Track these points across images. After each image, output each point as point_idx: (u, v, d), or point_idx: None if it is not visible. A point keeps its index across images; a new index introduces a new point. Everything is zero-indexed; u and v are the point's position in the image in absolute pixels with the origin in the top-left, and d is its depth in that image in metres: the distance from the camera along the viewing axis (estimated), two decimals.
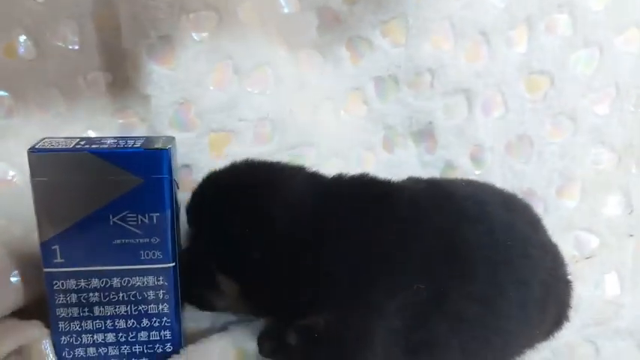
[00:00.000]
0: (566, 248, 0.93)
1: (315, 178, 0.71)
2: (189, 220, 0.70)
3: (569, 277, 0.74)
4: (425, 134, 0.93)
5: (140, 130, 0.82)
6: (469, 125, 0.93)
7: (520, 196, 0.85)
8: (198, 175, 0.78)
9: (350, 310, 0.60)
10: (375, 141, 0.94)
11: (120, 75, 0.82)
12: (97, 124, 0.82)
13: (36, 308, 0.70)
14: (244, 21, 0.83)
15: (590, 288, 0.91)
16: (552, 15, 0.89)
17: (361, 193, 0.68)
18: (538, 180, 0.93)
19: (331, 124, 0.92)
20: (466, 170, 0.94)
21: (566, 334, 0.81)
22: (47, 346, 0.68)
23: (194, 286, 0.67)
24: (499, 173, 0.94)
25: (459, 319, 0.60)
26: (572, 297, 0.74)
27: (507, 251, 0.64)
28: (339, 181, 0.70)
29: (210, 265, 0.65)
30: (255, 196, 0.64)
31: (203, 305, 0.71)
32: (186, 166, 0.82)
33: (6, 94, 0.77)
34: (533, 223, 0.75)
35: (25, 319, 0.69)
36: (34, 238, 0.73)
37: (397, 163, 0.94)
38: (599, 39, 0.89)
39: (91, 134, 0.82)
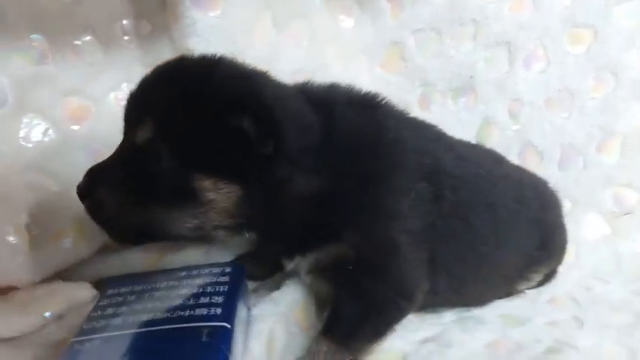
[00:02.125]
0: (606, 205, 0.93)
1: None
2: None
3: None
4: (465, 89, 0.92)
5: None
6: (509, 79, 0.91)
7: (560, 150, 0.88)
8: None
9: (368, 226, 0.61)
10: (410, 98, 0.92)
11: (159, 24, 0.78)
12: (132, 76, 0.78)
13: None
14: None
15: (629, 243, 0.90)
16: None
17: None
18: (578, 135, 0.92)
19: (364, 79, 0.89)
20: (503, 126, 0.93)
21: (612, 289, 0.82)
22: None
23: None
24: (538, 128, 0.92)
25: (459, 217, 0.68)
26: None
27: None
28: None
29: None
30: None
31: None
32: None
33: (40, 37, 0.72)
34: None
35: None
36: (70, 194, 0.71)
37: (432, 122, 0.92)
38: None
39: (125, 87, 0.78)
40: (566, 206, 0.88)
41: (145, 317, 0.57)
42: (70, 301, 0.64)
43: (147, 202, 0.59)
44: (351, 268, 0.61)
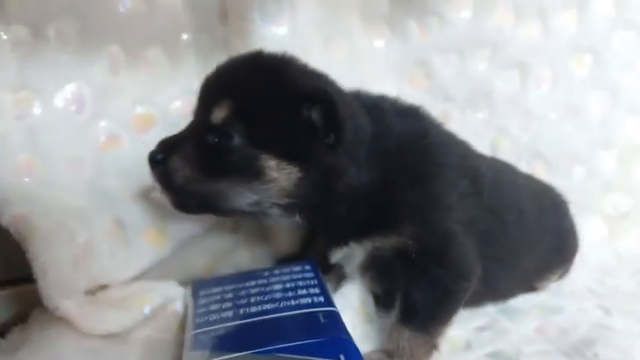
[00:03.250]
0: (605, 209, 1.04)
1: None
2: None
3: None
4: (481, 105, 1.01)
5: None
6: (521, 96, 1.01)
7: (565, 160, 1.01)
8: None
9: (426, 217, 0.68)
10: (433, 112, 1.00)
11: (219, 37, 0.83)
12: (192, 88, 0.82)
13: None
14: None
15: (626, 243, 1.02)
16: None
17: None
18: (581, 147, 1.03)
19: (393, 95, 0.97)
20: (515, 137, 1.03)
21: (620, 282, 0.92)
22: (180, 307, 0.70)
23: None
24: (545, 140, 1.03)
25: (495, 216, 0.76)
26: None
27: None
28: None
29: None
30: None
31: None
32: None
33: (117, 47, 0.76)
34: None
35: None
36: (147, 198, 0.75)
37: None
38: (636, 21, 1.00)
39: (186, 98, 0.82)
40: (571, 211, 0.98)
41: (254, 309, 0.62)
42: (164, 297, 0.67)
43: (216, 175, 0.64)
44: (414, 257, 0.66)
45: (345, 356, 0.50)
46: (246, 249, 0.88)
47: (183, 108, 0.81)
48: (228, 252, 0.86)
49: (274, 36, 0.79)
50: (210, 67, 0.82)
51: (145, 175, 0.75)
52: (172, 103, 0.82)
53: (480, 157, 0.82)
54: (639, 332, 0.74)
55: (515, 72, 1.00)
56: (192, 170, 0.64)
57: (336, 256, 0.74)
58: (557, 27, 0.99)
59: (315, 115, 0.63)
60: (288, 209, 0.66)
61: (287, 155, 0.63)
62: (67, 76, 0.72)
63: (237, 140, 0.63)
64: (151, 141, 0.78)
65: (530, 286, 0.89)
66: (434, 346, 0.67)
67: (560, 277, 0.93)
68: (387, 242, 0.68)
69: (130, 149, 0.77)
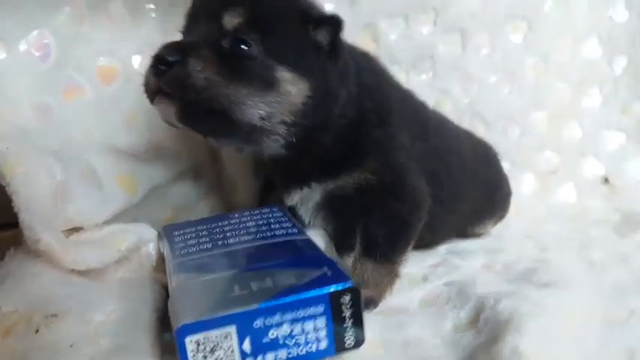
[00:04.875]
0: (538, 165, 1.14)
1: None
2: None
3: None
4: (425, 67, 1.07)
5: None
6: (462, 60, 1.08)
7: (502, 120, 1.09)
8: None
9: (386, 154, 0.73)
10: None
11: None
12: (153, 42, 0.82)
13: None
14: None
15: (555, 196, 1.12)
16: None
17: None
18: (517, 108, 1.12)
19: None
20: (457, 99, 1.10)
21: (554, 229, 1.01)
22: (153, 249, 0.71)
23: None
24: (484, 101, 1.11)
25: (438, 157, 0.82)
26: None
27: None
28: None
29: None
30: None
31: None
32: None
33: None
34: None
35: None
36: (113, 143, 0.76)
37: None
38: None
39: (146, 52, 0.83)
40: (507, 167, 1.07)
41: (232, 240, 0.64)
42: (139, 237, 0.69)
43: (235, 80, 0.61)
44: (375, 191, 0.71)
45: (328, 268, 0.54)
46: (206, 202, 0.90)
47: (143, 62, 0.83)
48: (189, 205, 0.88)
49: None
50: (170, 23, 0.85)
51: (110, 124, 0.78)
52: (133, 56, 0.82)
53: (424, 106, 0.88)
54: (574, 263, 0.82)
55: (456, 36, 1.07)
56: (213, 72, 0.60)
57: (294, 198, 0.76)
58: None
59: (321, 36, 0.66)
60: (289, 130, 0.66)
61: (300, 70, 0.64)
62: (33, 22, 0.71)
63: (254, 48, 0.63)
64: (113, 94, 0.80)
65: (466, 231, 0.96)
66: (396, 275, 0.72)
67: (495, 224, 1.01)
68: (349, 180, 0.72)
69: (94, 100, 0.77)
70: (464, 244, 0.92)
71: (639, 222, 1.00)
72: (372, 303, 0.68)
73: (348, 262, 0.75)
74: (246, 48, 0.62)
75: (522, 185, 1.11)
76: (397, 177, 0.73)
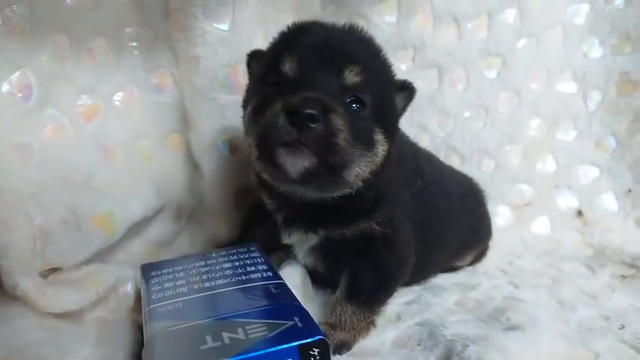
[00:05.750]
0: (512, 198, 1.16)
1: None
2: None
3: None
4: None
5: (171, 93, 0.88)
6: (438, 95, 1.11)
7: (476, 154, 1.13)
8: (240, 138, 0.87)
9: (393, 209, 0.74)
10: None
11: (161, 32, 0.86)
12: (136, 79, 0.85)
13: None
14: None
15: (529, 228, 1.14)
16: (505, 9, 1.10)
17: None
18: (491, 142, 1.14)
19: None
20: (433, 133, 1.12)
21: (527, 262, 1.03)
22: (131, 288, 0.73)
23: None
24: (459, 136, 1.13)
25: (428, 203, 0.84)
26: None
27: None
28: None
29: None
30: None
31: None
32: (230, 128, 0.89)
33: (64, 37, 0.77)
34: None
35: None
36: (92, 184, 0.77)
37: None
38: (537, 31, 1.12)
39: (134, 91, 0.85)
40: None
41: (207, 284, 0.66)
42: (117, 277, 0.70)
43: (355, 142, 0.62)
44: (379, 241, 0.72)
45: (299, 319, 0.56)
46: (187, 234, 0.92)
47: (126, 98, 0.84)
48: (169, 240, 0.89)
49: (215, 31, 0.84)
50: (152, 60, 0.87)
51: (89, 162, 0.78)
52: (116, 93, 0.84)
53: (421, 152, 0.91)
54: (544, 302, 0.84)
55: (433, 72, 1.10)
56: (348, 133, 0.60)
57: (293, 239, 0.77)
58: (469, 33, 1.09)
59: (400, 100, 0.72)
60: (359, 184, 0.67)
61: (386, 132, 0.67)
62: (15, 63, 0.72)
63: (367, 109, 0.64)
64: (94, 130, 0.81)
65: (449, 264, 0.98)
66: (372, 322, 0.74)
67: (478, 259, 1.03)
68: (355, 228, 0.73)
69: (74, 138, 0.78)
70: (439, 280, 0.94)
71: (609, 257, 1.03)
72: (346, 346, 0.69)
73: (332, 299, 0.76)
74: (360, 107, 0.64)
75: (498, 218, 1.14)
76: (395, 232, 0.75)
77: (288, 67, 0.65)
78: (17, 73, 0.72)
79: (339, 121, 0.60)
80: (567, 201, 1.18)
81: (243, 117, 0.74)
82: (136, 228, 0.82)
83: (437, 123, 1.12)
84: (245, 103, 0.75)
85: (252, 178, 0.81)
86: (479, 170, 1.14)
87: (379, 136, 0.66)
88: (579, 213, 1.17)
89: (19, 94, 0.72)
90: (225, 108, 0.87)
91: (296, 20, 0.96)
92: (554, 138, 1.18)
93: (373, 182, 0.68)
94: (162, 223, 0.87)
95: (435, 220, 0.85)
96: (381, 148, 0.66)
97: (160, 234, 0.87)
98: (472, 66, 1.11)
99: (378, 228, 0.72)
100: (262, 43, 0.90)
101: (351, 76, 0.64)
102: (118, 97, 0.84)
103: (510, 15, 1.11)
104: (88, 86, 0.80)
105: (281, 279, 0.67)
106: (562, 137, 1.18)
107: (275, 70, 0.66)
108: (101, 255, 0.76)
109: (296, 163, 0.60)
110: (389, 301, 0.76)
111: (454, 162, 1.13)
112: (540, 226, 1.16)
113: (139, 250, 0.84)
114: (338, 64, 0.64)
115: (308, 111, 0.58)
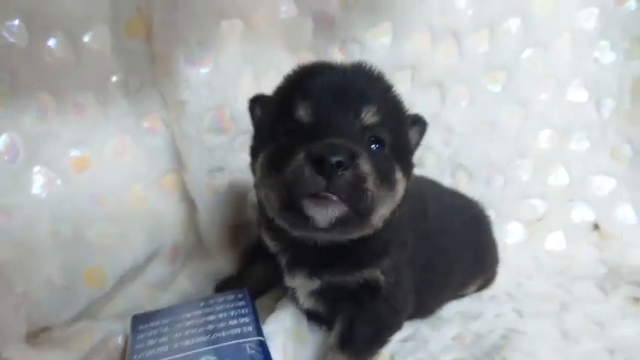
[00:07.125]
0: (523, 214, 1.13)
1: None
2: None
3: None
4: None
5: (163, 135, 0.89)
6: (442, 113, 1.08)
7: (485, 170, 1.10)
8: (232, 177, 0.88)
9: (398, 256, 0.74)
10: None
11: (147, 79, 0.87)
12: (125, 127, 0.86)
13: None
14: (258, 27, 0.91)
15: (543, 244, 1.11)
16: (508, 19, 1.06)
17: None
18: (499, 157, 1.11)
19: None
20: (438, 152, 1.10)
21: (537, 283, 1.00)
22: (121, 339, 0.73)
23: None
24: (466, 152, 1.10)
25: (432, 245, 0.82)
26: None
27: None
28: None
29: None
30: None
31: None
32: (221, 168, 0.90)
33: (47, 95, 0.78)
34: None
35: None
36: (82, 238, 0.78)
37: None
38: (543, 39, 1.08)
39: (125, 138, 0.87)
40: (492, 216, 1.06)
41: (187, 342, 0.66)
42: (106, 333, 0.71)
43: (380, 185, 0.60)
44: (375, 289, 0.71)
45: None
46: (187, 276, 0.93)
47: (117, 146, 0.86)
48: (168, 282, 0.91)
49: (198, 74, 0.84)
50: (142, 106, 0.88)
51: (80, 214, 0.80)
52: (106, 143, 0.85)
53: (425, 187, 0.89)
54: (546, 334, 0.81)
55: (434, 91, 1.07)
56: (375, 177, 0.59)
57: (296, 282, 0.76)
58: (470, 48, 1.06)
59: (412, 134, 0.71)
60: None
61: (404, 170, 0.66)
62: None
63: (387, 148, 0.63)
64: (84, 180, 0.82)
65: (452, 296, 0.95)
66: None
67: (483, 286, 0.99)
68: (359, 275, 0.72)
69: (65, 190, 0.80)
70: (441, 309, 0.92)
71: (623, 277, 0.98)
72: None
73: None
74: (380, 147, 0.63)
75: (508, 235, 1.11)
76: (398, 282, 0.74)
77: (302, 112, 0.63)
78: (3, 137, 0.74)
79: (366, 166, 0.58)
80: (582, 214, 1.14)
81: (252, 165, 0.72)
82: (132, 273, 0.84)
83: (442, 141, 1.10)
84: (254, 152, 0.72)
85: (256, 223, 0.82)
86: (488, 187, 1.11)
87: (399, 175, 0.64)
88: (596, 227, 1.13)
89: (6, 157, 0.74)
90: (214, 149, 0.87)
91: (288, 54, 0.98)
92: (566, 149, 1.13)
93: (391, 221, 0.67)
94: (158, 266, 0.88)
95: (439, 261, 0.83)
96: (401, 187, 0.65)
97: (157, 276, 0.88)
98: (475, 82, 1.08)
99: (382, 277, 0.71)
100: (250, 80, 0.91)
101: (369, 117, 0.62)
102: (109, 146, 0.85)
103: (514, 25, 1.06)
104: (77, 139, 0.82)
105: (261, 334, 0.67)
106: (575, 148, 1.13)
107: (287, 117, 0.64)
108: (97, 304, 0.78)
109: (326, 214, 0.58)
110: (380, 351, 0.75)
111: (462, 180, 1.11)
112: (554, 241, 1.12)
113: (137, 293, 0.86)
114: (354, 105, 0.63)
115: (336, 159, 0.56)
